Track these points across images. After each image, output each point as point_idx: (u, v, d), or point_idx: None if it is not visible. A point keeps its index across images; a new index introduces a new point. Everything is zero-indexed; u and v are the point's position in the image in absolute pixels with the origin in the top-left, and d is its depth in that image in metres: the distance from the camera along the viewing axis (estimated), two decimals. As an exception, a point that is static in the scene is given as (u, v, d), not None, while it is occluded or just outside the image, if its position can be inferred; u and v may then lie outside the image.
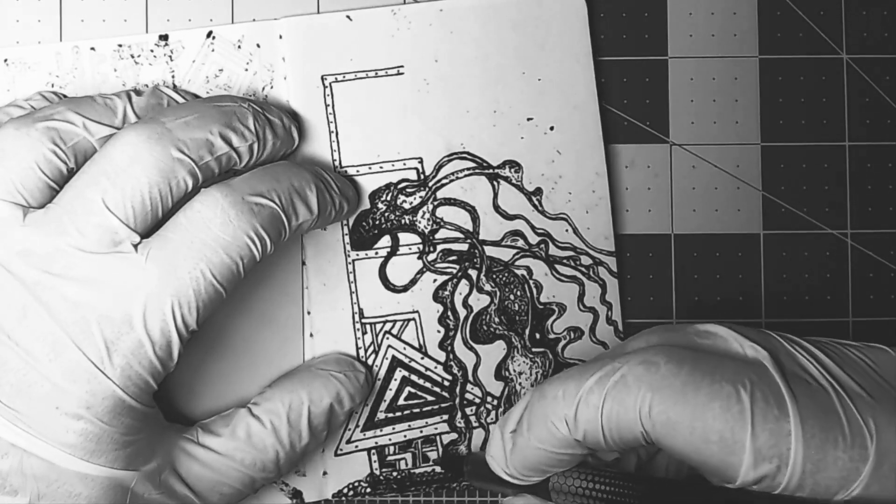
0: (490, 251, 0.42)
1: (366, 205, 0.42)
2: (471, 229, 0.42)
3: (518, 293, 0.42)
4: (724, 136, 0.43)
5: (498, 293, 0.42)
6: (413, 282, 0.42)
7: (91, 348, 0.33)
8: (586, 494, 0.34)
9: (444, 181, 0.42)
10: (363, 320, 0.42)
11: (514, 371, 0.42)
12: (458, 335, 0.42)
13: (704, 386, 0.30)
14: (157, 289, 0.33)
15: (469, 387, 0.42)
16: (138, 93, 0.38)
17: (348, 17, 0.41)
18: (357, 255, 0.42)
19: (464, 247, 0.42)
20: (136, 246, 0.34)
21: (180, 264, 0.33)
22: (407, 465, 0.42)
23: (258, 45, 0.41)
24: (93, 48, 0.41)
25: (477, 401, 0.42)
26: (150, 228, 0.34)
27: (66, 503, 0.33)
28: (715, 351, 0.32)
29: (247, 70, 0.41)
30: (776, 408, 0.30)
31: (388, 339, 0.42)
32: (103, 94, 0.37)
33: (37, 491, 0.33)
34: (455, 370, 0.42)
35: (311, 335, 0.41)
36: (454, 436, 0.42)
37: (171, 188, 0.34)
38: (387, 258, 0.42)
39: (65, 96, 0.40)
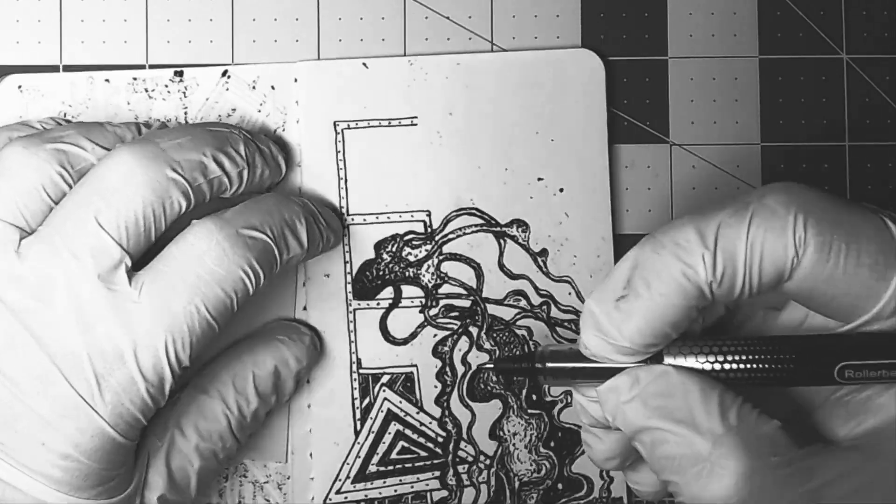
0: (492, 309, 0.42)
1: (370, 254, 0.41)
2: (474, 286, 0.42)
3: (516, 354, 0.42)
4: (724, 136, 0.43)
5: (497, 352, 0.42)
6: (413, 335, 0.42)
7: (81, 383, 0.32)
8: (714, 365, 0.30)
9: (451, 236, 0.42)
10: (360, 370, 0.41)
11: (509, 431, 0.41)
12: (455, 392, 0.42)
13: (854, 210, 0.29)
14: (151, 324, 0.32)
15: (463, 444, 0.41)
16: (147, 126, 0.38)
17: (364, 64, 0.41)
18: (359, 304, 0.41)
19: (466, 303, 0.42)
20: (129, 276, 0.33)
21: (174, 299, 0.33)
22: None
23: (273, 87, 0.41)
24: (107, 80, 0.41)
25: (470, 459, 0.41)
26: (142, 251, 0.34)
27: None
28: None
29: (259, 111, 0.41)
30: None
31: (384, 391, 0.41)
32: (112, 123, 0.37)
33: None
34: (450, 426, 0.41)
35: (308, 381, 0.41)
36: (444, 493, 0.41)
37: (165, 208, 0.34)
38: (388, 310, 0.41)
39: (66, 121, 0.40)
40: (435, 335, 0.42)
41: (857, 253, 0.29)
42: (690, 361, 0.30)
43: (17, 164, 0.34)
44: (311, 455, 0.41)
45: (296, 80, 0.41)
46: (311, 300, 0.41)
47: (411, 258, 0.42)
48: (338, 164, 0.41)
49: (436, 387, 0.42)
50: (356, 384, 0.41)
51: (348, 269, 0.41)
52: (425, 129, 0.41)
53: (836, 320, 0.30)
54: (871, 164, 0.43)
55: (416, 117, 0.41)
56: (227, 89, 0.41)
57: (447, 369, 0.42)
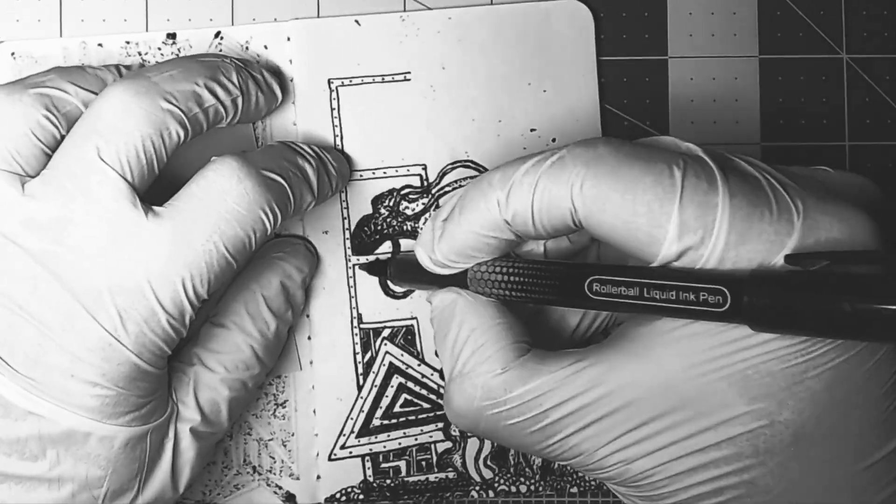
0: None
1: (368, 209, 0.42)
2: None
3: None
4: (724, 136, 0.43)
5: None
6: (412, 289, 0.42)
7: (105, 317, 0.33)
8: (502, 282, 0.34)
9: (447, 189, 0.42)
10: (361, 325, 0.42)
11: None
12: None
13: (639, 163, 0.30)
14: (170, 259, 0.33)
15: None
16: (128, 68, 0.38)
17: (357, 21, 0.41)
18: (358, 259, 0.42)
19: None
20: (145, 212, 0.33)
21: (194, 236, 0.33)
22: (401, 472, 0.42)
23: (265, 47, 0.41)
24: (100, 44, 0.41)
25: None
26: (147, 183, 0.34)
27: (86, 465, 0.34)
28: (655, 146, 0.32)
29: None
30: (706, 182, 0.30)
31: (385, 345, 0.42)
32: (93, 66, 0.37)
33: (56, 455, 0.34)
34: None
35: (310, 338, 0.41)
36: (448, 444, 0.42)
37: (164, 140, 0.34)
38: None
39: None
40: None
41: (631, 203, 0.30)
42: (483, 274, 0.35)
43: (2, 112, 0.34)
44: (314, 411, 0.41)
45: (288, 39, 0.41)
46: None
47: (408, 212, 0.42)
48: (333, 122, 0.41)
49: None
50: (357, 339, 0.42)
51: (346, 226, 0.42)
52: (419, 84, 0.42)
53: (638, 262, 0.32)
54: (871, 164, 0.43)
55: (409, 72, 0.42)
56: (221, 50, 0.41)
57: None
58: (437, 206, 0.42)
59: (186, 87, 0.35)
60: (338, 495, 0.41)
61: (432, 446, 0.42)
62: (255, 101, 0.38)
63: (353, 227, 0.42)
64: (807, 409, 0.30)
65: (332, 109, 0.41)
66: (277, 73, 0.41)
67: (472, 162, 0.42)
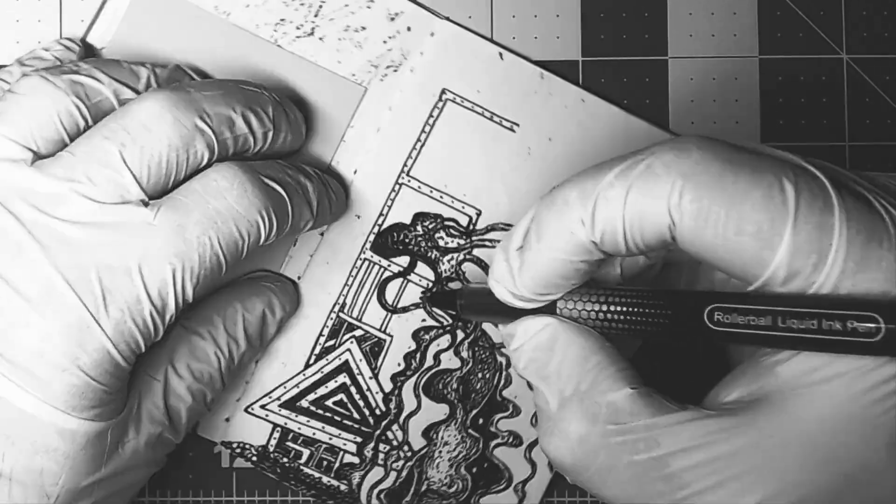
0: (487, 325, 0.42)
1: (407, 219, 0.42)
2: None
3: (487, 376, 0.42)
4: (724, 136, 0.42)
5: (470, 364, 0.42)
6: (404, 310, 0.42)
7: (87, 296, 0.32)
8: (601, 315, 0.31)
9: (487, 243, 0.42)
10: (340, 313, 0.42)
11: (442, 438, 0.41)
12: (414, 378, 0.42)
13: (744, 174, 0.27)
14: (164, 246, 0.32)
15: (395, 427, 0.41)
16: (161, 67, 0.38)
17: (500, 55, 0.42)
18: (371, 256, 0.42)
19: None
20: (145, 203, 0.33)
21: (190, 227, 0.33)
22: (300, 459, 0.41)
23: (409, 28, 0.41)
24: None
25: (395, 443, 0.41)
26: (159, 195, 0.34)
27: (42, 458, 0.32)
28: (757, 151, 0.29)
29: (385, 42, 0.42)
30: (822, 201, 0.27)
31: (351, 342, 0.42)
32: (128, 61, 0.37)
33: (10, 443, 0.32)
34: (392, 406, 0.41)
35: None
36: (355, 460, 0.41)
37: (189, 157, 0.34)
38: (394, 276, 0.42)
39: (82, 42, 0.40)
40: (423, 320, 0.42)
41: (737, 221, 0.27)
42: (578, 308, 0.31)
43: (33, 90, 0.34)
44: (256, 362, 0.41)
45: (432, 35, 0.42)
46: (332, 229, 0.42)
47: (441, 242, 0.42)
48: (423, 127, 0.41)
49: (399, 364, 0.42)
50: (329, 323, 0.42)
51: (380, 221, 0.42)
52: (520, 140, 0.42)
53: (735, 285, 0.30)
54: (871, 164, 0.43)
55: (518, 124, 0.42)
56: (369, 8, 0.42)
57: (417, 355, 0.42)
58: (470, 254, 0.42)
59: (223, 111, 0.35)
60: (234, 445, 0.42)
61: (340, 453, 0.42)
62: (283, 137, 0.38)
63: (384, 226, 0.42)
64: None
65: (431, 117, 0.41)
66: (306, 113, 0.41)
67: None
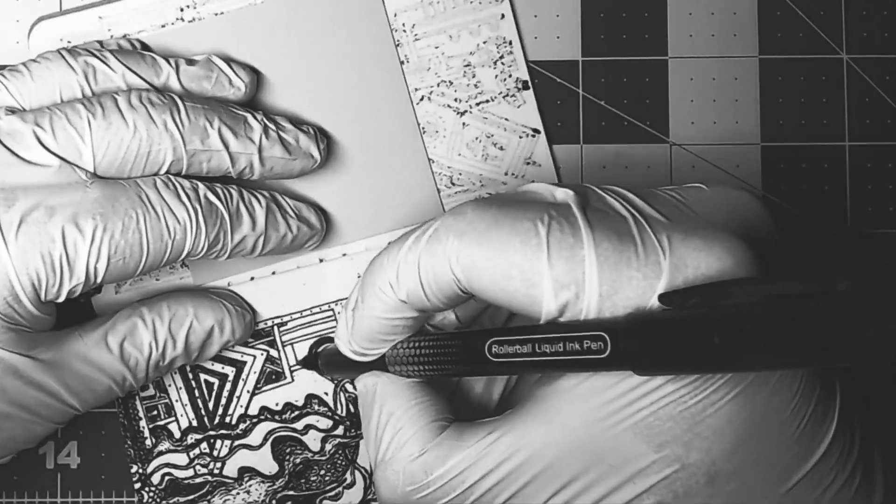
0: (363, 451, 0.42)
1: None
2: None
3: (326, 478, 0.42)
4: (724, 136, 0.43)
5: (324, 458, 0.42)
6: (320, 373, 0.42)
7: (4, 215, 0.34)
8: (414, 359, 0.34)
9: None
10: (277, 327, 0.41)
11: (248, 485, 0.41)
12: (275, 424, 0.42)
13: (506, 225, 0.30)
14: (91, 204, 0.34)
15: (226, 442, 0.41)
16: (191, 62, 0.38)
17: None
18: (338, 313, 0.41)
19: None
20: (89, 174, 0.35)
21: (121, 200, 0.35)
22: (143, 391, 0.41)
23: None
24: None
25: (214, 453, 0.41)
26: (108, 174, 0.36)
27: None
28: (525, 199, 0.32)
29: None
30: (571, 236, 0.30)
31: (262, 354, 0.42)
32: (155, 54, 0.38)
33: None
34: (240, 427, 0.41)
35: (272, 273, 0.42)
36: (176, 434, 0.41)
37: (150, 152, 0.36)
38: (328, 340, 0.42)
39: (143, 44, 0.41)
40: (326, 393, 0.42)
41: (504, 268, 0.30)
42: (399, 355, 0.35)
43: (47, 61, 0.37)
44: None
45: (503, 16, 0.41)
46: (330, 267, 0.42)
47: None
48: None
49: (277, 405, 0.41)
50: (263, 325, 0.41)
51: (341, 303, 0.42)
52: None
53: (528, 321, 0.32)
54: (871, 164, 0.43)
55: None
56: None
57: (296, 412, 0.41)
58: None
59: (199, 122, 0.36)
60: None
61: (172, 418, 0.41)
62: (283, 163, 0.39)
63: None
64: (713, 447, 0.29)
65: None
66: (323, 133, 0.41)
67: None
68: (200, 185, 0.37)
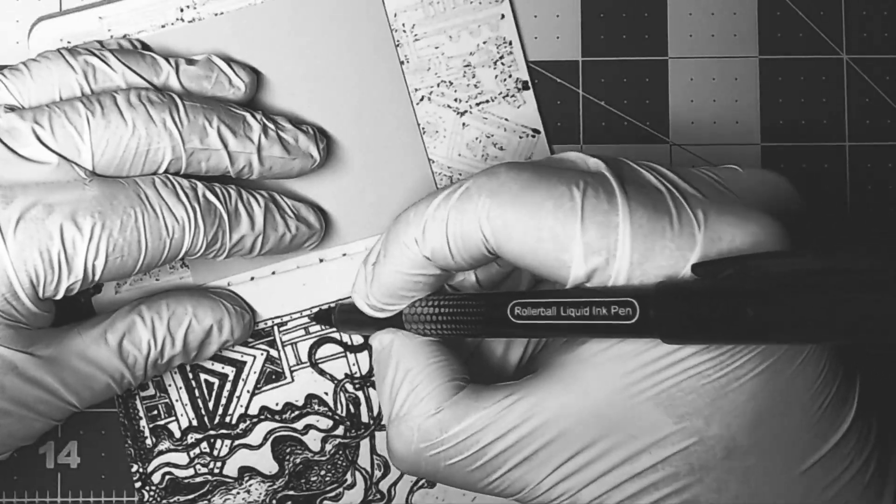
0: (364, 454, 0.42)
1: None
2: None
3: (327, 478, 0.42)
4: (724, 136, 0.43)
5: (324, 458, 0.41)
6: (321, 372, 0.42)
7: (2, 212, 0.33)
8: (433, 317, 0.34)
9: None
10: (277, 327, 0.41)
11: (248, 485, 0.41)
12: (275, 424, 0.41)
13: (541, 188, 0.30)
14: (90, 201, 0.34)
15: (226, 442, 0.41)
16: (190, 62, 0.39)
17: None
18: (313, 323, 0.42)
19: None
20: (88, 172, 0.35)
21: (119, 198, 0.35)
22: (143, 391, 0.41)
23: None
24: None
25: (214, 453, 0.41)
26: (105, 173, 0.36)
27: None
28: (559, 166, 0.32)
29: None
30: (606, 202, 0.30)
31: (262, 354, 0.42)
32: (154, 54, 0.38)
33: None
34: (240, 427, 0.41)
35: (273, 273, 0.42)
36: (176, 433, 0.41)
37: (149, 152, 0.36)
38: (339, 342, 0.42)
39: (143, 44, 0.41)
40: (326, 393, 0.42)
41: (535, 230, 0.30)
42: (417, 313, 0.35)
43: (47, 59, 0.37)
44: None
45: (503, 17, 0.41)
46: (332, 265, 0.42)
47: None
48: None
49: (277, 404, 0.41)
50: (263, 325, 0.41)
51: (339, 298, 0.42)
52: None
53: (555, 286, 0.32)
54: (871, 164, 0.43)
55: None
56: None
57: (296, 412, 0.41)
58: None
59: (198, 120, 0.36)
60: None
61: (173, 417, 0.41)
62: (282, 162, 0.39)
63: (339, 302, 0.41)
64: (734, 422, 0.30)
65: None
66: (323, 132, 0.41)
67: None
68: (199, 185, 0.37)
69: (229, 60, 0.39)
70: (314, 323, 0.42)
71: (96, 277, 0.35)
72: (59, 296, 0.35)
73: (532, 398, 0.32)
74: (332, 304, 0.41)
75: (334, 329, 0.42)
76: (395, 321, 0.36)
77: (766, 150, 0.43)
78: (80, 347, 0.36)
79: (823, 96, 0.43)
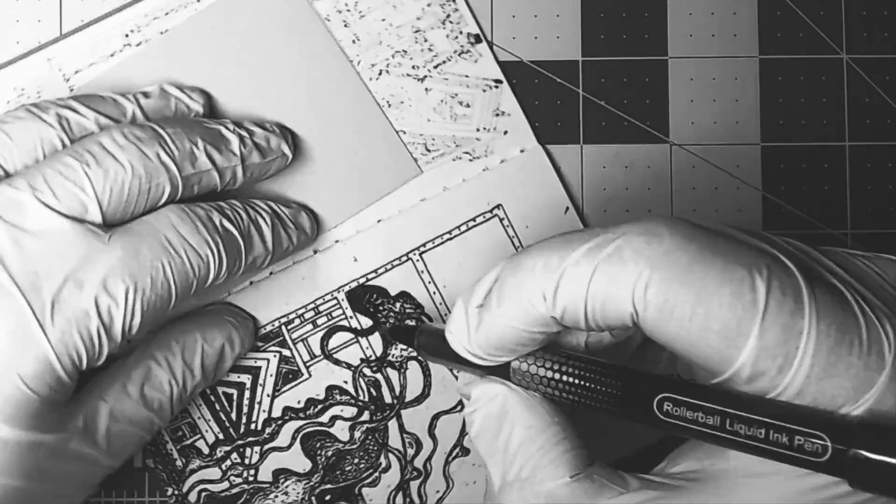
0: (394, 433, 0.42)
1: (393, 290, 0.42)
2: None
3: (361, 465, 0.42)
4: (724, 136, 0.43)
5: (355, 445, 0.42)
6: (336, 362, 0.42)
7: (36, 301, 0.32)
8: (552, 383, 0.30)
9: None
10: (284, 326, 0.41)
11: (285, 486, 0.41)
12: (301, 422, 0.41)
13: (715, 268, 0.26)
14: (118, 264, 0.33)
15: (255, 449, 0.41)
16: (146, 95, 0.38)
17: (566, 209, 0.42)
18: (342, 300, 0.42)
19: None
20: (102, 226, 0.34)
21: (143, 250, 0.34)
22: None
23: (505, 132, 0.42)
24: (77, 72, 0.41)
25: (245, 461, 0.41)
26: (116, 221, 0.35)
27: None
28: (730, 235, 0.28)
29: (478, 131, 0.42)
30: (793, 301, 0.26)
31: (274, 356, 0.42)
32: (113, 94, 0.38)
33: None
34: (267, 431, 0.41)
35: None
36: (205, 450, 0.41)
37: (151, 188, 0.35)
38: (348, 329, 0.42)
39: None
40: (345, 381, 0.42)
41: (703, 318, 0.26)
42: (531, 372, 0.31)
43: (19, 120, 0.35)
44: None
45: (521, 151, 0.41)
46: (325, 256, 0.42)
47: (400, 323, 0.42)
48: (461, 225, 0.42)
49: (299, 402, 0.41)
50: (270, 326, 0.41)
51: (370, 276, 0.42)
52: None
53: (704, 374, 0.29)
54: (871, 164, 0.43)
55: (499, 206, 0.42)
56: (485, 91, 0.42)
57: (319, 406, 0.41)
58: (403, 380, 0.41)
59: (186, 146, 0.36)
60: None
61: (198, 435, 0.41)
62: (260, 168, 0.39)
63: (370, 282, 0.42)
64: None
65: (472, 221, 0.42)
66: (293, 133, 0.41)
67: None
68: (213, 212, 0.36)
69: (179, 86, 0.39)
70: (389, 337, 0.41)
71: (133, 334, 0.34)
72: (100, 363, 0.34)
73: (681, 500, 0.28)
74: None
75: (342, 318, 0.41)
76: (496, 370, 0.32)
77: (765, 150, 0.43)
78: (105, 411, 0.36)
79: (823, 96, 0.43)
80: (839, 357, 0.26)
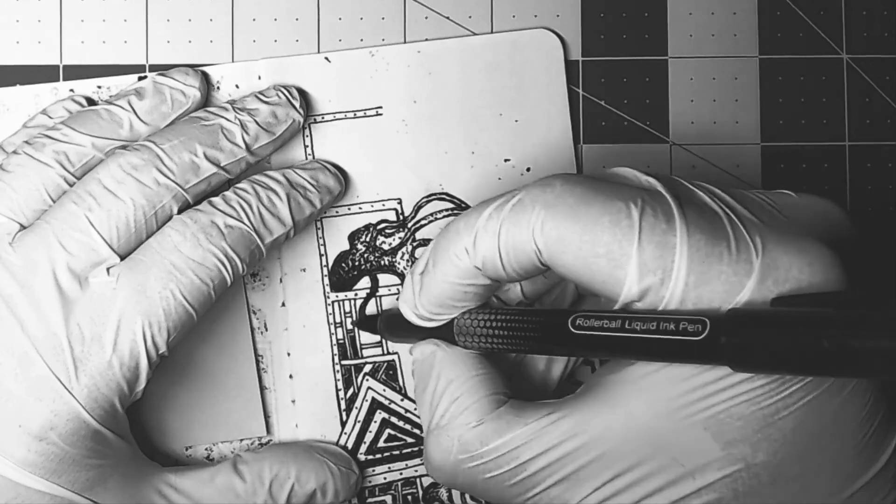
0: None
1: (345, 246, 0.41)
2: None
3: None
4: (724, 136, 0.43)
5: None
6: None
7: (58, 366, 0.33)
8: (485, 331, 0.34)
9: (423, 222, 0.42)
10: (343, 362, 0.41)
11: None
12: None
13: (597, 203, 0.30)
14: (128, 308, 0.34)
15: None
16: (140, 95, 0.38)
17: (327, 58, 0.41)
18: (336, 296, 0.41)
19: None
20: (108, 269, 0.34)
21: (150, 284, 0.34)
22: None
23: (237, 87, 0.41)
24: (72, 90, 0.41)
25: None
26: (132, 250, 0.35)
27: None
28: (613, 181, 0.32)
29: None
30: (664, 222, 0.30)
31: (367, 380, 0.41)
32: (107, 105, 0.37)
33: None
34: None
35: (291, 377, 0.41)
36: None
37: (157, 212, 0.35)
38: (366, 299, 0.41)
39: (91, 101, 0.40)
40: None
41: (590, 244, 0.30)
42: (468, 324, 0.35)
43: (20, 168, 0.35)
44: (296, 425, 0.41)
45: (259, 78, 0.41)
46: (289, 295, 0.41)
47: (385, 246, 0.42)
48: (306, 157, 0.41)
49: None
50: (339, 375, 0.41)
51: (324, 262, 0.41)
52: (391, 119, 0.42)
53: (606, 302, 0.32)
54: (871, 164, 0.43)
55: (381, 107, 0.42)
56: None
57: None
58: (414, 240, 0.42)
59: (185, 159, 0.36)
60: None
61: (417, 480, 0.41)
62: (273, 143, 0.38)
63: (330, 264, 0.41)
64: (781, 450, 0.29)
65: (306, 147, 0.41)
66: (301, 91, 0.41)
67: (446, 194, 0.42)
68: (217, 215, 0.36)
69: (171, 74, 0.39)
70: (358, 329, 0.41)
71: (161, 357, 0.35)
72: (138, 397, 0.35)
73: (576, 417, 0.32)
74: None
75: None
76: (443, 332, 0.36)
77: (766, 149, 0.43)
78: (174, 501, 0.36)
79: (823, 96, 0.43)
80: (710, 266, 0.29)
